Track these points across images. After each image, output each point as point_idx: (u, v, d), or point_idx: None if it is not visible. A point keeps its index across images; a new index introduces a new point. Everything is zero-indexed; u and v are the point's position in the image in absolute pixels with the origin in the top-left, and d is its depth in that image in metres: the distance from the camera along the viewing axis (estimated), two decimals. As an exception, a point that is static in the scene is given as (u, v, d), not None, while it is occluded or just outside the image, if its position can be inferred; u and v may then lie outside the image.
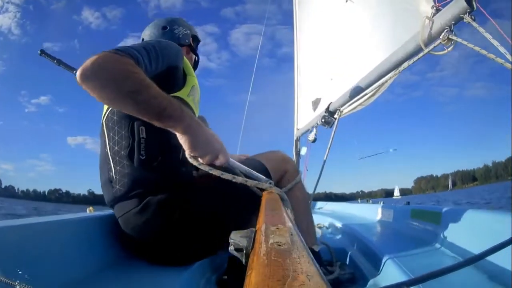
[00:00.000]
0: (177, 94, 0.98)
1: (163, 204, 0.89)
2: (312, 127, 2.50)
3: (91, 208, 1.45)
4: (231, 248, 0.39)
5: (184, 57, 1.08)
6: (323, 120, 2.05)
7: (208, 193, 0.96)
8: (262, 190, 0.86)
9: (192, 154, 0.77)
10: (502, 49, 0.80)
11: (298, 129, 2.99)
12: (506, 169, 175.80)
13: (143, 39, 1.28)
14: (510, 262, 0.75)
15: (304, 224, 1.16)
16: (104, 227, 0.99)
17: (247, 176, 0.88)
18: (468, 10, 0.96)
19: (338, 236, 1.92)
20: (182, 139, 0.75)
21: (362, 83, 1.68)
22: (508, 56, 0.79)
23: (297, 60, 3.27)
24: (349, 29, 2.14)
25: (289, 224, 0.41)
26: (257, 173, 0.90)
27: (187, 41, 1.32)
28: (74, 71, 1.36)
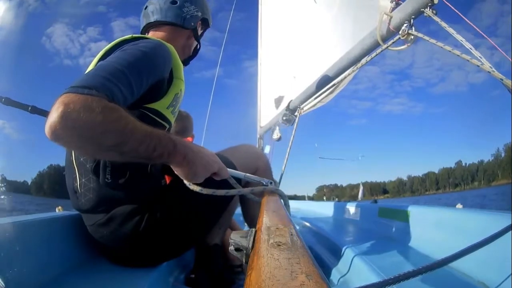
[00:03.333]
0: (154, 106, 0.82)
1: (129, 216, 0.83)
2: (275, 125, 2.40)
3: (60, 207, 1.28)
4: (231, 248, 0.38)
5: (176, 56, 0.90)
6: (284, 118, 1.94)
7: (174, 200, 0.89)
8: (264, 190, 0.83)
9: (192, 183, 0.72)
10: (467, 45, 0.71)
11: (261, 127, 2.87)
12: (423, 184, 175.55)
13: (146, 7, 1.06)
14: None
15: None
16: (73, 227, 0.92)
17: (246, 183, 0.87)
18: (429, 4, 0.86)
19: (305, 235, 1.81)
20: (178, 172, 0.68)
21: (321, 80, 1.59)
22: (474, 52, 0.69)
23: (260, 58, 3.15)
24: (312, 27, 2.05)
25: (289, 224, 0.40)
26: (255, 176, 0.87)
27: (192, 24, 1.07)
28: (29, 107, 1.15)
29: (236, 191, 0.77)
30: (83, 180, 0.82)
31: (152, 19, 1.02)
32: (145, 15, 1.05)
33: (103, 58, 0.80)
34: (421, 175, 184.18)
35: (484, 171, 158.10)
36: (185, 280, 1.09)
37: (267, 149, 2.70)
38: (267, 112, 2.79)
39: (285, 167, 1.99)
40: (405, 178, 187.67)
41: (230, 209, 1.11)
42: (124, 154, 0.56)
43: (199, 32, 1.13)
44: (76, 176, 0.83)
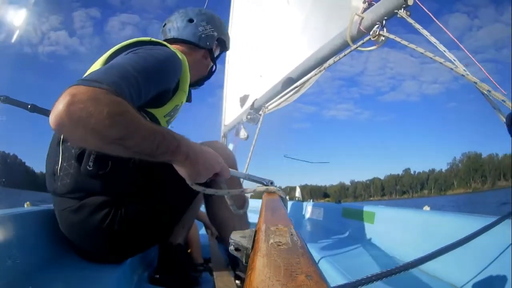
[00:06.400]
0: (153, 111, 0.81)
1: (99, 207, 0.81)
2: (239, 124, 2.31)
3: (28, 203, 1.10)
4: (231, 248, 0.36)
5: (186, 69, 0.87)
6: (248, 116, 1.85)
7: (143, 194, 0.87)
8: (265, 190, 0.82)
9: (195, 183, 0.69)
10: (441, 47, 0.67)
11: (225, 125, 2.76)
12: (367, 190, 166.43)
13: (165, 25, 1.06)
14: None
15: (237, 221, 1.02)
16: (43, 223, 0.89)
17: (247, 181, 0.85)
18: (404, 6, 0.82)
19: None
20: (180, 171, 0.66)
21: (287, 79, 1.55)
22: (448, 55, 0.66)
23: (228, 56, 3.03)
24: (284, 27, 1.99)
25: (289, 224, 0.38)
26: (256, 176, 0.84)
27: (208, 43, 1.05)
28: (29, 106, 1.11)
29: (239, 190, 0.77)
30: (65, 164, 0.80)
31: (169, 36, 1.02)
32: (162, 32, 1.05)
33: (116, 53, 0.78)
34: (365, 181, 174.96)
35: (435, 180, 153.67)
36: (149, 278, 1.07)
37: (230, 147, 2.60)
38: (232, 111, 2.68)
39: (248, 165, 1.90)
40: (348, 183, 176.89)
41: (194, 208, 1.08)
42: (127, 149, 0.55)
43: (216, 53, 1.11)
44: (59, 159, 0.81)
